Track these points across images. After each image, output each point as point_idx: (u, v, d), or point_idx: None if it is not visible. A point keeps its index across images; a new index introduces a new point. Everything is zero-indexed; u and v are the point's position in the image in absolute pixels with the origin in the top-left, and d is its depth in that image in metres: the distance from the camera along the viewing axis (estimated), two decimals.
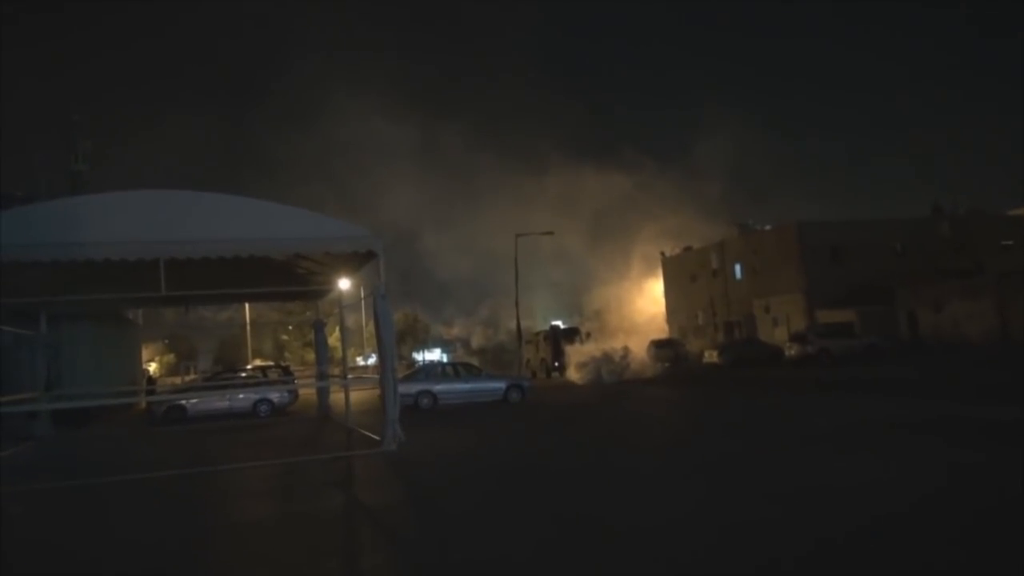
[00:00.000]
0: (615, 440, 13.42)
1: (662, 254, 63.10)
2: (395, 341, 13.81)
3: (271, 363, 46.10)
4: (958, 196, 74.80)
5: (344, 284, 20.49)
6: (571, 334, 40.67)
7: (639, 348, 35.40)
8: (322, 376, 23.47)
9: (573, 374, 34.17)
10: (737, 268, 53.49)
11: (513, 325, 45.33)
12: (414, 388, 22.97)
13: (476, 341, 66.61)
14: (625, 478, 9.59)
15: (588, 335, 41.52)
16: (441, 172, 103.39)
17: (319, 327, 23.19)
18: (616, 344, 34.75)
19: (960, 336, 38.03)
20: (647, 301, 63.72)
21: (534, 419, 18.30)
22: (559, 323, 51.83)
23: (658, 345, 41.07)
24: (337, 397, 25.34)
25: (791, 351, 36.27)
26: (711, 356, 38.66)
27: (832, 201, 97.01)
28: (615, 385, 30.12)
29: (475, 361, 43.33)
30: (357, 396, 23.76)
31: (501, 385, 24.10)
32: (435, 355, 68.60)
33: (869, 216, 48.79)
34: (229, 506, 9.58)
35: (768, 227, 52.53)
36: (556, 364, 38.93)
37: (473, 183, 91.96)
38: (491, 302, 70.64)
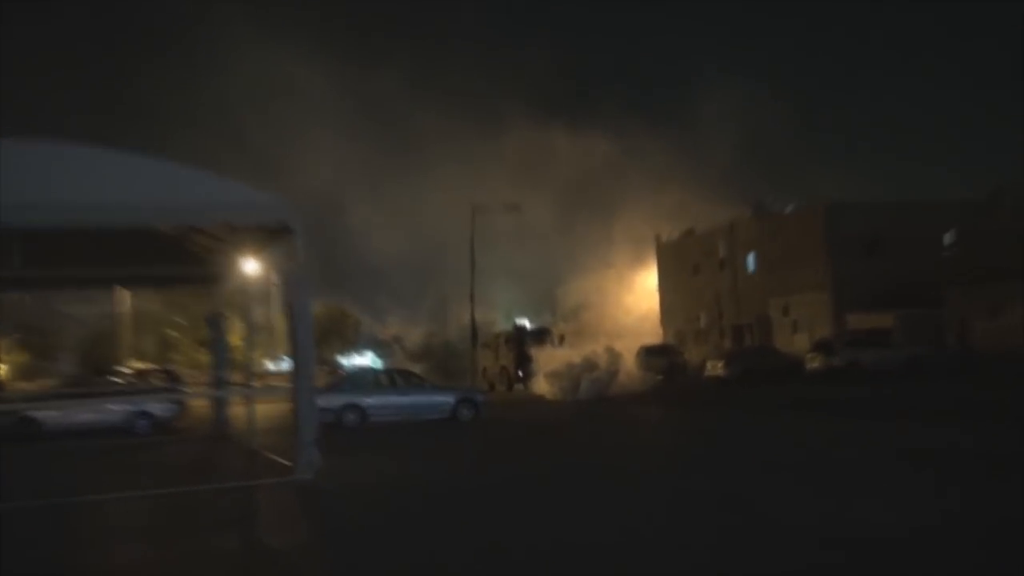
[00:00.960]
0: (584, 474, 13.52)
1: (657, 238, 63.81)
2: (314, 341, 13.76)
3: (154, 367, 45.50)
4: (1022, 177, 76.42)
5: (250, 268, 20.31)
6: (540, 336, 41.02)
7: (627, 355, 35.79)
8: (219, 384, 23.25)
9: (542, 386, 34.45)
10: (750, 259, 54.28)
11: (467, 323, 45.43)
12: (338, 401, 23.01)
13: (419, 343, 66.49)
14: (589, 524, 9.60)
15: (562, 338, 41.90)
16: (375, 131, 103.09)
17: (216, 322, 22.97)
18: (598, 348, 35.08)
19: (1021, 347, 38.85)
20: (637, 297, 64.43)
21: (487, 443, 18.54)
22: (525, 322, 52.12)
23: (650, 352, 41.61)
24: (239, 411, 25.14)
25: (813, 363, 36.94)
26: (714, 368, 39.24)
27: (867, 180, 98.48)
28: (594, 402, 30.41)
29: (417, 368, 43.32)
30: (264, 410, 23.57)
31: (449, 399, 24.27)
32: (366, 360, 68.28)
33: (912, 199, 49.37)
34: (90, 550, 9.44)
35: (789, 209, 53.25)
36: (520, 374, 39.21)
37: (416, 145, 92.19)
38: (439, 294, 70.66)
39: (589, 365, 33.66)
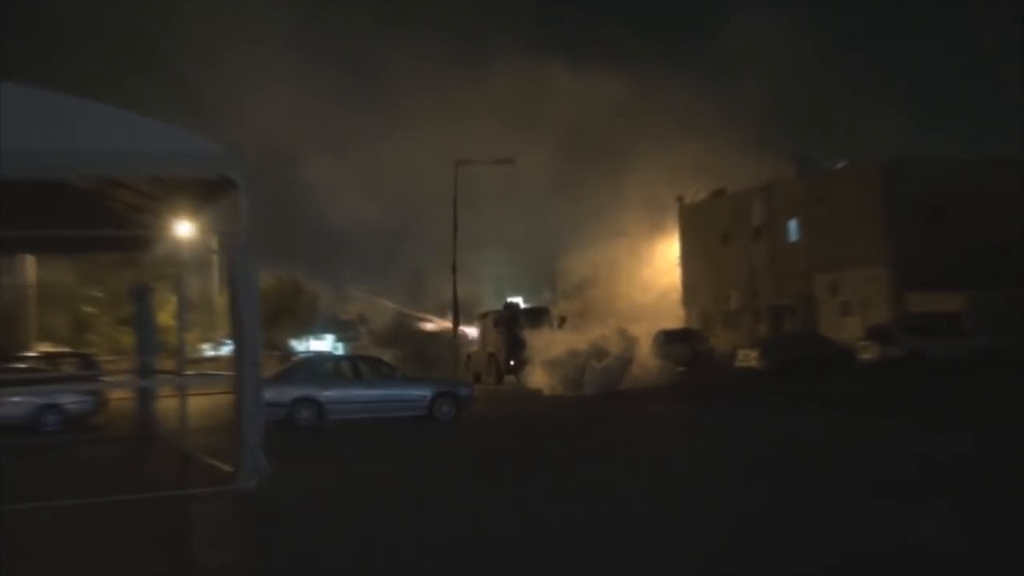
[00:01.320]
0: (584, 497, 12.87)
1: (679, 201, 63.88)
2: (261, 320, 13.73)
3: (66, 350, 45.27)
4: None
5: (184, 231, 20.22)
6: (537, 317, 40.96)
7: (642, 341, 35.86)
8: (145, 371, 23.21)
9: (539, 378, 34.58)
10: (791, 226, 54.42)
11: (448, 301, 45.53)
12: (289, 394, 23.12)
13: (389, 324, 66.55)
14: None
15: (563, 320, 41.92)
16: (337, 68, 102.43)
17: (143, 296, 22.88)
18: (607, 332, 35.16)
19: None
20: (655, 271, 64.59)
21: (469, 449, 18.61)
22: (518, 300, 52.09)
23: (670, 338, 41.80)
24: (168, 405, 25.10)
25: (867, 353, 37.12)
26: (747, 357, 39.40)
27: (932, 134, 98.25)
28: (602, 399, 30.53)
29: (387, 356, 43.34)
30: (200, 404, 23.53)
31: (425, 393, 24.40)
32: (325, 344, 68.16)
33: (989, 156, 49.26)
34: None
35: (840, 166, 53.25)
36: (512, 363, 39.29)
37: (387, 85, 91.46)
38: (414, 266, 70.58)
39: (597, 352, 33.67)
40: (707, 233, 60.81)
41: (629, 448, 18.65)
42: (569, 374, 33.21)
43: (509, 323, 41.19)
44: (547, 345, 35.43)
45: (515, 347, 38.80)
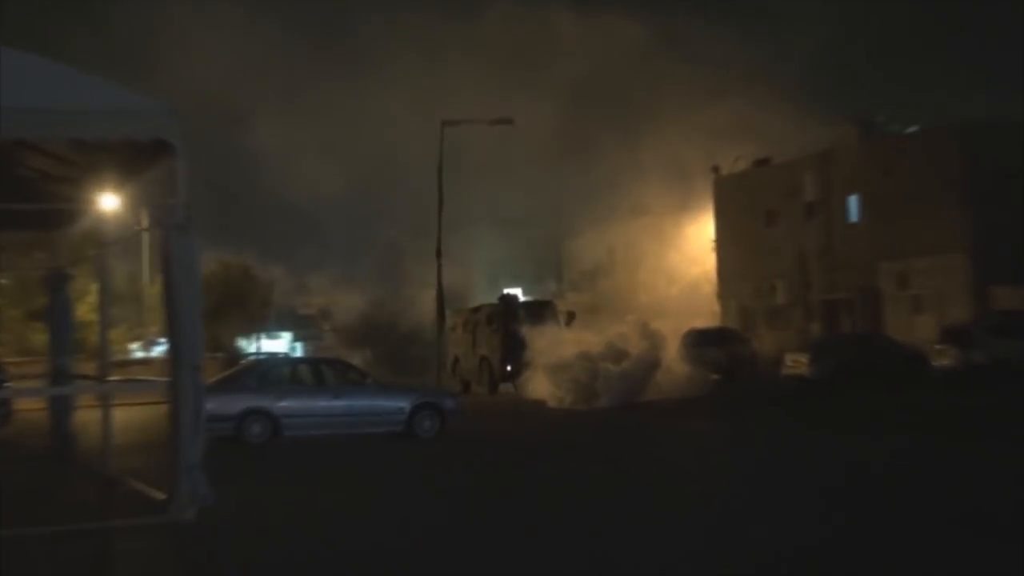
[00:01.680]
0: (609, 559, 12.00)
1: (715, 172, 63.87)
2: (203, 315, 13.72)
3: None
4: None
5: (109, 204, 20.17)
6: (538, 312, 40.98)
7: (669, 342, 35.84)
8: (61, 376, 23.16)
9: (542, 387, 34.72)
10: (852, 203, 54.44)
11: (431, 292, 45.44)
12: (237, 405, 23.20)
13: (359, 321, 66.49)
14: None
15: (572, 316, 41.88)
16: (295, 11, 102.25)
17: (58, 285, 22.82)
18: (626, 329, 35.19)
19: None
20: (683, 257, 64.67)
21: (453, 478, 18.32)
22: (516, 292, 52.18)
23: (702, 339, 41.95)
24: (90, 417, 25.03)
25: (943, 358, 37.05)
26: (796, 363, 39.42)
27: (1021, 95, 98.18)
28: (621, 412, 30.60)
29: (356, 359, 43.31)
30: (128, 416, 23.54)
31: (402, 405, 24.47)
32: (280, 344, 68.28)
33: None
34: None
35: (913, 130, 53.16)
36: (509, 368, 39.32)
37: (357, 32, 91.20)
38: (390, 250, 70.53)
39: (614, 354, 33.69)
40: (748, 211, 60.77)
41: (670, 486, 16.88)
42: (579, 381, 33.20)
43: (505, 319, 41.18)
44: (552, 346, 35.41)
45: (513, 349, 38.78)
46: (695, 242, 65.35)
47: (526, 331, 37.57)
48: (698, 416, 28.54)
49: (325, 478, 18.50)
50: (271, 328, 72.56)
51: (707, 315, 55.71)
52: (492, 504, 15.51)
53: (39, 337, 41.74)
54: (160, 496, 13.83)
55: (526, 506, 15.21)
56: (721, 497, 15.38)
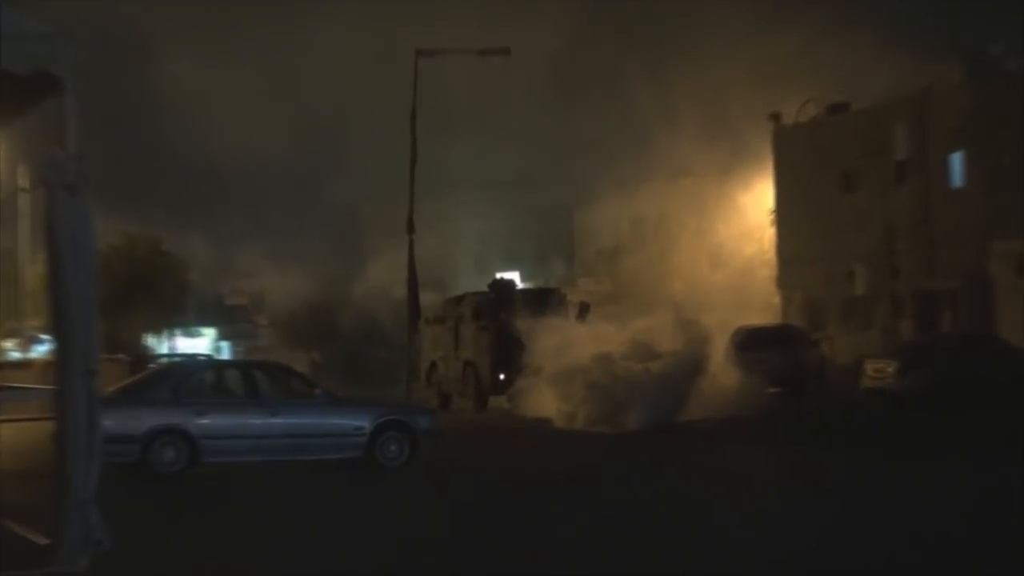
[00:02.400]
0: None
1: (774, 121, 63.79)
2: (100, 304, 13.60)
3: None
4: None
5: None
6: (541, 303, 40.96)
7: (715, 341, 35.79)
8: None
9: (546, 401, 34.85)
10: (955, 162, 54.40)
11: (400, 278, 45.24)
12: (144, 422, 23.00)
13: (304, 313, 66.57)
14: None
15: (586, 308, 41.79)
16: None
17: None
18: (657, 323, 35.16)
19: None
20: (732, 233, 64.69)
21: (423, 525, 17.82)
22: (513, 278, 52.05)
23: (756, 340, 42.00)
24: None
25: None
26: (879, 372, 39.22)
27: None
28: (654, 436, 30.53)
29: (301, 363, 43.28)
30: (2, 435, 23.42)
31: (361, 424, 24.36)
32: (202, 344, 68.14)
33: None
34: None
35: None
36: (502, 376, 39.32)
37: None
38: (345, 223, 70.66)
39: (641, 353, 33.67)
40: (819, 172, 60.85)
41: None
42: (598, 392, 33.09)
43: (498, 313, 41.15)
44: (560, 348, 35.32)
45: (507, 351, 38.71)
46: (748, 213, 65.51)
47: (525, 328, 37.46)
48: (764, 445, 28.17)
49: (250, 516, 18.34)
50: (189, 322, 72.68)
51: (763, 309, 55.90)
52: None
53: None
54: (42, 540, 13.78)
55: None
56: None
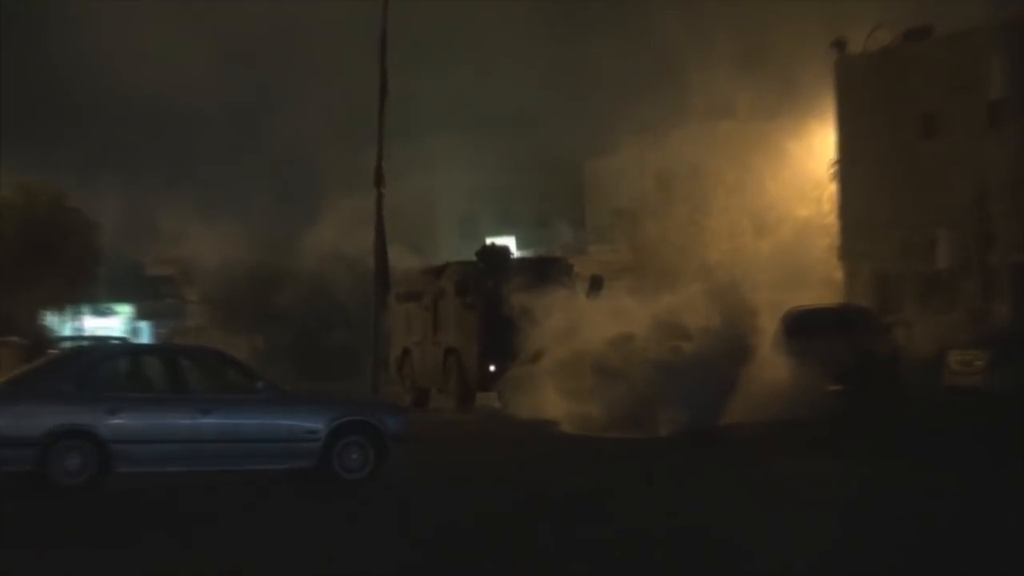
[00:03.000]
0: None
1: (837, 49, 63.66)
2: None
3: None
4: None
5: None
6: (542, 275, 40.70)
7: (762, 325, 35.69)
8: None
9: (548, 399, 34.74)
10: None
11: (367, 244, 45.26)
12: (42, 421, 22.76)
13: (243, 286, 66.60)
14: None
15: (599, 282, 41.72)
16: None
17: None
18: (691, 298, 35.01)
19: None
20: (783, 191, 64.56)
21: (396, 557, 17.61)
22: (507, 244, 52.10)
23: (813, 325, 42.22)
24: None
25: None
26: (966, 363, 39.14)
27: None
28: (688, 446, 30.40)
29: (241, 350, 43.25)
30: None
31: (315, 425, 24.18)
32: (115, 324, 68.00)
33: None
34: None
35: None
36: (492, 368, 39.33)
37: None
38: (296, 175, 70.86)
39: (667, 332, 33.53)
40: (893, 115, 60.72)
41: None
42: (614, 386, 32.96)
43: (487, 288, 41.08)
44: (566, 331, 35.21)
45: (499, 336, 38.69)
46: (804, 166, 65.36)
47: (522, 306, 37.35)
48: (835, 459, 27.63)
49: (168, 552, 17.99)
50: (100, 298, 72.71)
51: (821, 286, 55.91)
52: None
53: None
54: None
55: None
56: None
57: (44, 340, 55.82)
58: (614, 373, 33.12)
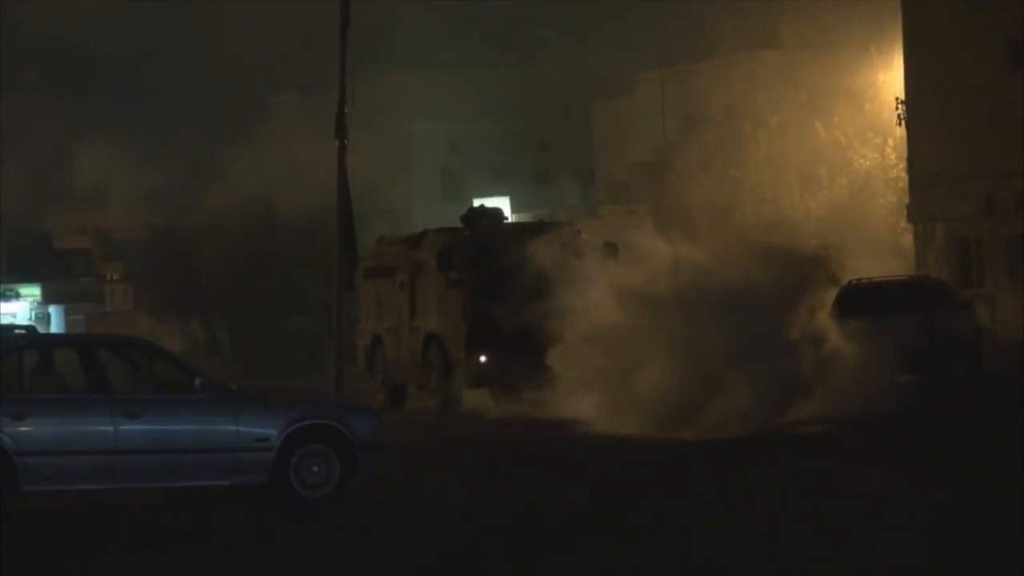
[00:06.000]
0: None
1: None
2: None
3: None
4: None
5: None
6: (544, 243, 40.58)
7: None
8: None
9: (560, 395, 34.93)
10: None
11: (328, 206, 45.19)
12: None
13: (176, 264, 66.78)
14: None
15: (613, 250, 41.67)
16: None
17: None
18: (737, 255, 35.04)
19: None
20: (838, 138, 64.48)
21: None
22: (499, 207, 52.12)
23: (872, 304, 42.26)
24: None
25: None
26: None
27: None
28: (746, 448, 30.32)
29: (175, 340, 43.35)
30: None
31: (268, 431, 24.18)
32: (19, 308, 68.35)
33: None
34: None
35: None
36: (483, 358, 39.36)
37: None
38: (244, 121, 71.03)
39: (722, 297, 33.56)
40: (973, 44, 60.62)
41: None
42: (644, 370, 32.86)
43: (477, 260, 41.02)
44: (576, 310, 35.09)
45: (490, 319, 38.59)
46: (863, 107, 65.35)
47: (519, 282, 37.30)
48: (927, 468, 27.27)
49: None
50: (2, 277, 72.99)
51: (886, 253, 55.92)
52: None
53: None
54: None
55: None
56: None
57: None
58: (634, 359, 33.02)
